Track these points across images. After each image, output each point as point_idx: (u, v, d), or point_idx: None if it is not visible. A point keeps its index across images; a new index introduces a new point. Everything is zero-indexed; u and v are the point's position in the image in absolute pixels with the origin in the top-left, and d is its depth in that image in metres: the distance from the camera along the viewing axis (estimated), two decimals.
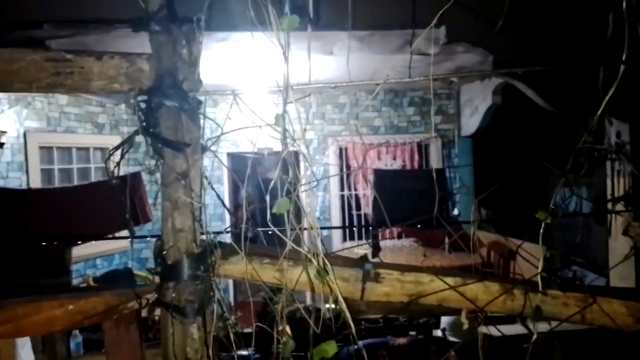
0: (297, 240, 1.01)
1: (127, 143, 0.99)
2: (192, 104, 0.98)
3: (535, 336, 0.87)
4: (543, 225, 0.95)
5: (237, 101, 0.97)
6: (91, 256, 5.95)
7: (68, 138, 6.14)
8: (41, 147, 5.79)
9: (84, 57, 0.96)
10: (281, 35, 0.96)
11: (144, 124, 0.96)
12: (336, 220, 7.28)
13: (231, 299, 6.90)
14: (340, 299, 0.93)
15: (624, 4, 1.01)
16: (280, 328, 1.11)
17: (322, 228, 6.65)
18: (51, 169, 5.98)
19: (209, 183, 1.13)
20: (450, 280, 0.97)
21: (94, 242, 5.76)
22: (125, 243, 6.78)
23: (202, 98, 1.08)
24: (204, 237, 1.05)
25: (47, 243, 3.99)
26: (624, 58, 1.07)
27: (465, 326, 0.94)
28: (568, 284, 0.98)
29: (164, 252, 0.98)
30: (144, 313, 1.13)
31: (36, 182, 5.51)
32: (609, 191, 4.86)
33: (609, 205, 4.96)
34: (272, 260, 1.03)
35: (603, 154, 5.02)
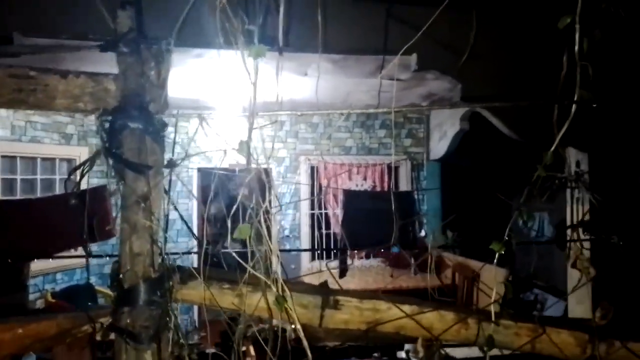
0: (260, 264, 1.01)
1: (89, 163, 0.98)
2: (157, 126, 0.97)
3: None
4: (498, 255, 0.98)
5: (202, 124, 0.98)
6: (51, 270, 5.73)
7: (33, 148, 5.96)
8: (3, 156, 5.59)
9: (48, 75, 0.95)
10: (249, 61, 0.97)
11: (107, 144, 0.95)
12: (306, 238, 7.26)
13: (195, 317, 6.75)
14: (298, 326, 0.94)
15: (576, 48, 1.07)
16: (243, 349, 1.09)
17: (287, 250, 6.62)
18: (13, 179, 5.78)
19: (174, 205, 1.12)
20: (407, 308, 0.99)
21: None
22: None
23: (173, 112, 1.08)
24: (164, 260, 1.04)
25: (3, 257, 3.83)
26: (575, 98, 1.13)
27: (421, 354, 0.96)
28: (520, 314, 1.01)
29: (120, 276, 0.96)
30: (98, 337, 1.10)
31: None
32: (568, 218, 5.04)
33: (568, 232, 5.13)
34: (232, 285, 1.03)
35: (563, 182, 5.21)
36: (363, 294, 1.04)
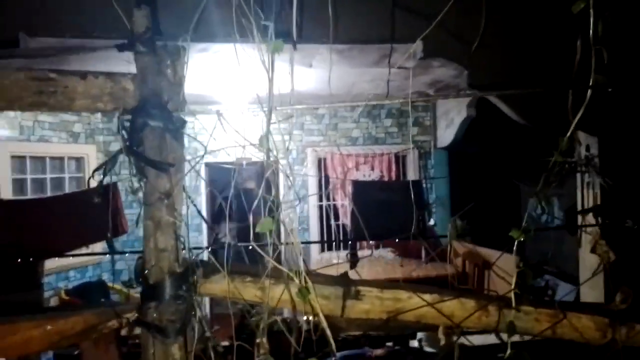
0: (278, 257, 1.03)
1: (111, 162, 1.00)
2: (177, 124, 0.99)
3: (509, 351, 0.91)
4: (514, 242, 0.99)
5: (220, 120, 0.99)
6: (64, 268, 5.79)
7: (42, 147, 6.00)
8: (13, 157, 5.64)
9: (67, 76, 0.96)
10: (265, 57, 0.98)
11: (128, 143, 0.96)
12: (314, 230, 7.29)
13: (207, 311, 6.82)
14: (322, 317, 0.95)
15: (591, 32, 1.07)
16: (258, 341, 1.12)
17: (303, 243, 6.63)
18: (23, 179, 5.83)
19: (191, 200, 1.14)
20: (427, 297, 1.00)
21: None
22: (100, 249, 6.65)
23: (191, 107, 1.09)
24: (185, 255, 1.05)
25: (17, 256, 3.87)
26: (590, 84, 1.13)
27: (442, 342, 0.97)
28: (539, 300, 1.02)
29: (146, 272, 0.98)
30: (123, 332, 1.12)
31: (7, 193, 5.36)
32: (579, 202, 5.01)
33: (579, 217, 5.12)
34: (254, 278, 1.04)
35: (573, 166, 5.18)
36: (383, 284, 1.06)
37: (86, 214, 3.93)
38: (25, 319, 1.03)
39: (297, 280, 0.96)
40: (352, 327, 1.02)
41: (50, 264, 5.16)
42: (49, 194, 5.93)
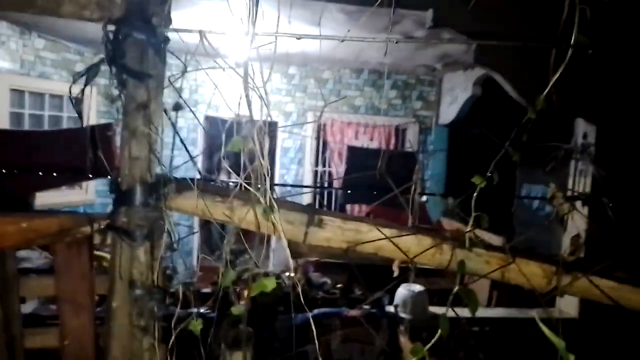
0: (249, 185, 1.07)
1: (92, 71, 1.02)
2: (160, 39, 1.01)
3: (456, 288, 0.96)
4: (477, 190, 1.03)
5: (203, 40, 1.01)
6: (55, 206, 5.85)
7: (42, 83, 5.99)
8: (12, 90, 5.63)
9: None
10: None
11: (110, 53, 0.99)
12: (308, 195, 7.35)
13: (194, 262, 6.96)
14: (283, 237, 1.00)
15: None
16: (238, 289, 1.16)
17: (291, 185, 6.58)
18: (21, 113, 5.84)
19: (180, 139, 1.17)
20: (387, 231, 1.05)
21: (58, 191, 5.69)
22: (92, 196, 6.72)
23: (184, 59, 1.09)
24: (160, 171, 1.10)
25: (10, 185, 3.93)
26: (572, 43, 1.14)
27: (396, 274, 1.02)
28: (493, 245, 1.06)
29: (119, 179, 1.02)
30: (96, 239, 1.18)
31: (4, 125, 5.39)
32: (569, 189, 5.06)
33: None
34: (224, 198, 1.09)
35: (569, 153, 5.20)
36: (347, 216, 1.10)
37: (81, 151, 3.97)
38: (1, 215, 1.08)
39: (263, 201, 1.01)
40: (313, 253, 1.07)
41: (42, 200, 5.21)
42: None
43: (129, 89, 0.99)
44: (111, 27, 1.01)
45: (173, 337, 1.02)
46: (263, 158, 1.01)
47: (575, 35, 1.12)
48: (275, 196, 1.06)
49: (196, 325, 1.03)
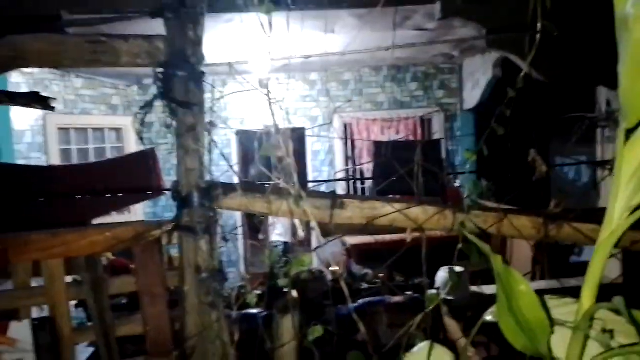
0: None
1: (148, 105, 1.30)
2: (197, 74, 1.28)
3: (460, 244, 1.17)
4: (472, 161, 1.24)
5: (232, 72, 1.27)
6: None
7: (84, 119, 6.48)
8: (59, 129, 6.13)
9: (114, 39, 1.26)
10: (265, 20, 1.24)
11: (162, 90, 1.26)
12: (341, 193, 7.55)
13: (242, 268, 7.31)
14: (313, 219, 1.24)
15: None
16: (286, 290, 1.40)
17: (318, 182, 6.78)
18: (69, 149, 6.33)
19: (219, 150, 1.43)
20: (397, 205, 1.27)
21: (111, 217, 6.14)
22: (141, 218, 7.18)
23: (210, 79, 1.36)
24: (209, 178, 1.37)
25: (69, 215, 4.33)
26: (538, 29, 1.33)
27: (409, 239, 1.24)
28: (487, 207, 1.27)
29: (179, 188, 1.30)
30: (164, 240, 1.46)
31: (55, 162, 5.87)
32: (598, 156, 5.09)
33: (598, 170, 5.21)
34: (262, 195, 1.34)
35: (594, 122, 5.23)
36: (363, 197, 1.33)
37: (129, 177, 4.36)
38: (91, 228, 1.37)
39: (293, 193, 1.25)
40: (339, 231, 1.28)
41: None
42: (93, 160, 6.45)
43: (179, 116, 1.26)
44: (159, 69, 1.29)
45: (235, 309, 1.28)
46: (289, 157, 1.25)
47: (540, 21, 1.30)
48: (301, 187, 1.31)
49: (252, 298, 1.28)
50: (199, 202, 1.27)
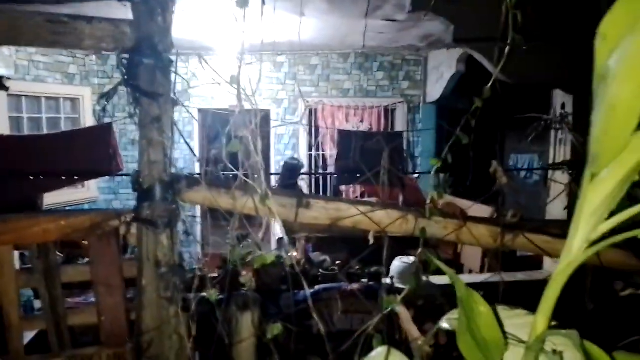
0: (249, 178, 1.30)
1: (111, 92, 1.25)
2: (165, 62, 1.23)
3: (420, 249, 1.20)
4: (435, 169, 1.27)
5: (201, 62, 1.23)
6: (60, 205, 6.04)
7: (37, 87, 6.13)
8: (9, 95, 5.78)
9: (77, 21, 1.19)
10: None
11: (126, 77, 1.21)
12: (305, 178, 7.56)
13: (198, 249, 7.22)
14: (278, 218, 1.24)
15: None
16: (244, 273, 1.39)
17: (275, 174, 6.81)
18: (20, 118, 5.99)
19: (179, 133, 1.39)
20: (362, 208, 1.28)
21: (64, 190, 5.89)
22: (95, 193, 6.93)
23: (174, 52, 1.31)
24: (173, 171, 1.33)
25: (19, 188, 4.13)
26: (509, 41, 1.36)
27: (371, 241, 1.26)
28: (448, 213, 1.31)
29: (141, 180, 1.26)
30: (122, 230, 1.41)
31: (4, 130, 5.55)
32: (551, 158, 5.31)
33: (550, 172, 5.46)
34: (227, 190, 1.32)
35: (549, 123, 5.44)
36: (329, 198, 1.34)
37: (84, 151, 4.19)
38: (43, 215, 1.31)
39: (259, 191, 1.24)
40: (304, 230, 1.29)
41: (47, 200, 5.41)
42: (46, 132, 6.14)
43: (143, 106, 1.21)
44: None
45: (193, 305, 1.27)
46: (258, 155, 1.24)
47: (511, 35, 1.34)
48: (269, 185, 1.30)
49: (212, 295, 1.27)
50: (161, 196, 1.23)
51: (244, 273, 1.36)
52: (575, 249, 0.60)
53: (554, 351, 0.68)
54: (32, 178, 4.09)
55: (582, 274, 1.55)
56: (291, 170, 5.10)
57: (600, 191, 0.54)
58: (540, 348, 0.66)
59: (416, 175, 7.40)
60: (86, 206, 6.60)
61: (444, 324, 0.92)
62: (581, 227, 0.59)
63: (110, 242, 1.40)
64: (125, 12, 1.28)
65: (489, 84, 1.49)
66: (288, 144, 7.58)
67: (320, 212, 1.30)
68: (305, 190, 7.45)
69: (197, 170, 6.74)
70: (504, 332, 0.73)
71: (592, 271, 1.47)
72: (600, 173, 0.52)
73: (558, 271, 0.62)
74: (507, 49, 1.38)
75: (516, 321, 0.88)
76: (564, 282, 0.62)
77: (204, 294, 1.30)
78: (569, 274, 0.61)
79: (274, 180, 7.16)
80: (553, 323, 0.77)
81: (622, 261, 1.17)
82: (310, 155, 7.63)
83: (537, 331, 0.65)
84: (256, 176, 1.26)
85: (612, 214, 0.58)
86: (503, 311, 0.88)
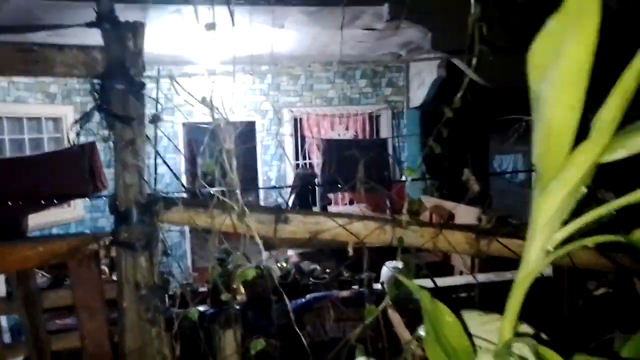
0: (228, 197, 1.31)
1: (85, 117, 1.25)
2: (137, 86, 1.24)
3: (399, 253, 1.22)
4: (408, 179, 1.28)
5: (173, 84, 1.24)
6: (46, 225, 5.97)
7: (18, 108, 6.07)
8: None
9: (47, 48, 1.20)
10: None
11: (99, 102, 1.21)
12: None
13: (189, 264, 7.18)
14: (256, 235, 1.25)
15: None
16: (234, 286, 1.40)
17: (271, 188, 6.82)
18: (1, 139, 5.92)
19: (156, 152, 1.40)
20: (340, 220, 1.30)
21: (50, 211, 5.83)
22: (82, 212, 6.87)
23: (154, 72, 1.33)
24: (154, 189, 1.34)
25: (3, 211, 4.08)
26: (475, 52, 1.40)
27: (350, 253, 1.28)
28: (424, 222, 1.33)
29: (117, 203, 1.26)
30: (101, 253, 1.41)
31: None
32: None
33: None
34: (205, 209, 1.33)
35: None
36: (307, 212, 1.35)
37: (67, 172, 4.16)
38: (21, 242, 1.30)
39: (236, 208, 1.25)
40: (284, 244, 1.30)
41: (34, 221, 5.35)
42: (28, 154, 6.07)
43: (117, 130, 1.22)
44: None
45: (176, 325, 1.27)
46: (233, 172, 1.25)
47: (477, 46, 1.37)
48: (248, 200, 1.31)
49: (194, 314, 1.27)
50: (138, 218, 1.24)
51: (234, 286, 1.36)
52: (533, 258, 0.62)
53: (520, 358, 0.69)
54: (13, 201, 4.04)
55: (559, 275, 1.59)
56: (304, 179, 5.13)
57: (550, 203, 0.56)
58: (508, 354, 0.68)
59: (404, 178, 7.43)
60: (73, 226, 6.53)
61: (422, 332, 0.94)
62: (537, 238, 0.61)
63: (90, 265, 1.40)
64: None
65: (459, 94, 1.51)
66: (275, 154, 7.59)
67: (298, 227, 1.32)
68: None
69: (184, 183, 6.70)
70: (471, 340, 0.74)
71: (567, 272, 1.50)
72: (547, 187, 0.54)
73: (518, 282, 0.64)
74: (474, 59, 1.42)
75: (490, 327, 0.90)
76: (526, 290, 0.64)
77: (188, 310, 1.31)
78: (529, 283, 0.63)
79: (262, 193, 7.13)
80: (527, 327, 0.80)
81: (592, 261, 1.20)
82: (297, 165, 7.64)
83: (504, 338, 0.66)
84: (234, 193, 1.27)
85: (579, 214, 0.60)
86: (477, 316, 0.90)
